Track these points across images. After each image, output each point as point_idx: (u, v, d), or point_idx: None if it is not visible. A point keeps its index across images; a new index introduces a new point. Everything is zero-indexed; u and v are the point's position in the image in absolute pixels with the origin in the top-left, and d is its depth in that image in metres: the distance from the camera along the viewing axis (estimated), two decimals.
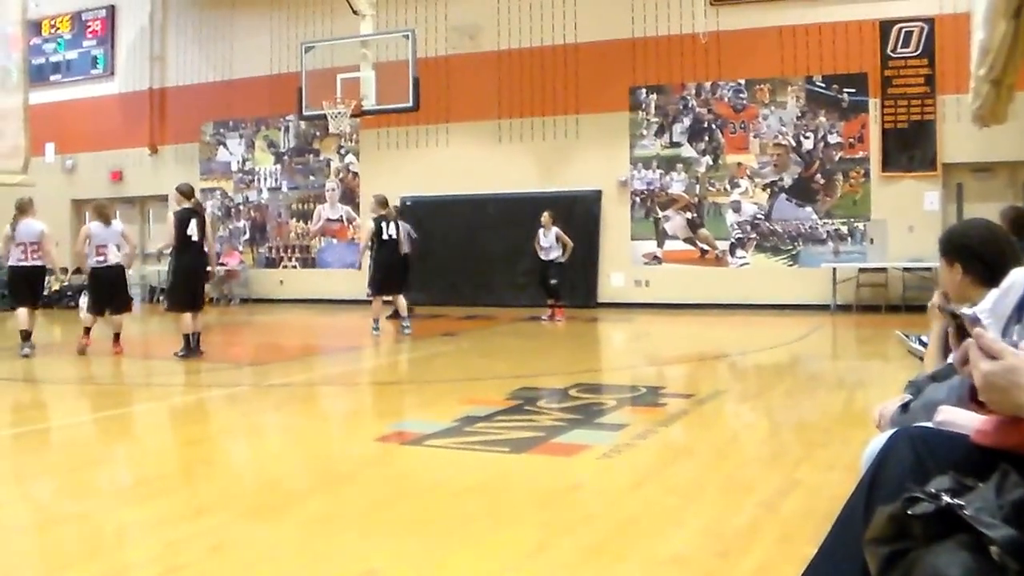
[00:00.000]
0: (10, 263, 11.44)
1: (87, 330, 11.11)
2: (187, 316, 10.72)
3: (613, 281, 17.67)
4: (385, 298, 13.43)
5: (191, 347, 10.73)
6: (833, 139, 16.36)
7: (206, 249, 11.01)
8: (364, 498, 4.68)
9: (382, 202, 13.40)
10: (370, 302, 13.51)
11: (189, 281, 10.88)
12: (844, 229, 16.28)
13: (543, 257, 15.12)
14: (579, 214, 17.22)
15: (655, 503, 4.46)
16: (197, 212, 10.90)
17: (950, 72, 15.13)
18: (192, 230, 10.66)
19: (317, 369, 10.80)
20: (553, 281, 15.09)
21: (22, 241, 11.21)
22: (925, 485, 1.71)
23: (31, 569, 3.68)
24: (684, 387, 8.57)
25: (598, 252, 17.67)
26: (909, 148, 15.76)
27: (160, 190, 21.71)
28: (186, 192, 11.06)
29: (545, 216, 15.07)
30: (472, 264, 18.29)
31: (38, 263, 11.35)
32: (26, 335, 11.08)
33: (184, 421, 7.52)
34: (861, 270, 15.95)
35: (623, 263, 17.66)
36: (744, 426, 6.95)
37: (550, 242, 15.01)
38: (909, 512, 1.63)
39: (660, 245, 17.52)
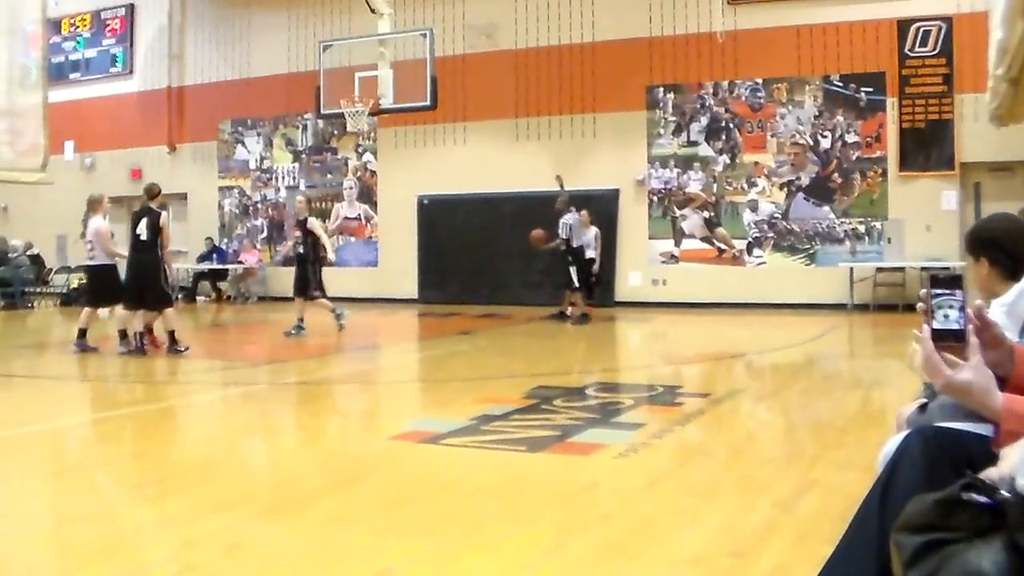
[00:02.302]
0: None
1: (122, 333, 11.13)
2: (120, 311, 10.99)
3: (630, 280, 17.63)
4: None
5: (130, 341, 10.86)
6: (850, 138, 16.29)
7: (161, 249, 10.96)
8: (380, 497, 4.68)
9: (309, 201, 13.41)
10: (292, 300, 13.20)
11: (134, 279, 10.94)
12: (861, 228, 16.22)
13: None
14: (596, 213, 17.02)
15: (671, 503, 4.46)
16: (150, 211, 10.90)
17: (968, 71, 15.08)
18: (141, 229, 10.77)
19: (333, 367, 10.82)
20: (594, 279, 15.17)
21: (89, 240, 11.35)
22: (939, 486, 1.65)
23: (49, 567, 3.70)
24: (701, 386, 8.56)
25: (615, 251, 17.63)
26: (927, 147, 15.68)
27: (179, 188, 21.83)
28: (147, 192, 11.28)
29: (584, 214, 15.01)
30: (488, 263, 18.31)
31: (93, 262, 11.38)
32: (80, 332, 11.21)
33: (201, 419, 7.54)
34: (878, 269, 15.88)
35: (640, 262, 17.63)
36: (760, 426, 6.94)
37: (588, 240, 14.95)
38: (963, 498, 1.56)
39: (677, 244, 17.49)
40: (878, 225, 16.09)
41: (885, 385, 8.59)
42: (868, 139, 16.18)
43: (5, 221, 23.01)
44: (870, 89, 16.09)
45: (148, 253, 10.84)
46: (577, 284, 14.41)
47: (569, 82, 18.06)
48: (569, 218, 14.63)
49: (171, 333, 10.86)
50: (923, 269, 15.31)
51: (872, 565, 1.85)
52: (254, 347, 13.05)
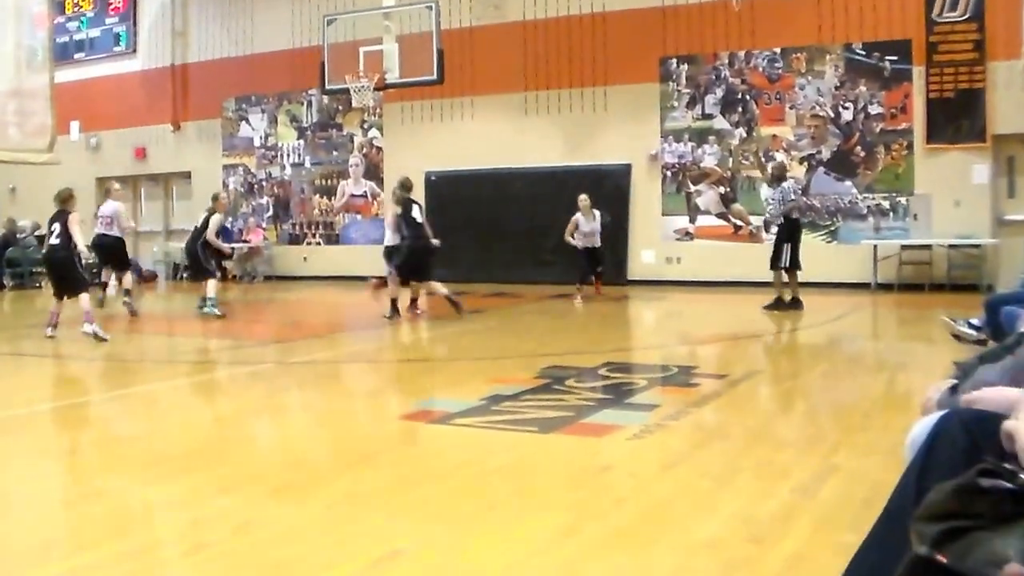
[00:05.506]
0: None
1: None
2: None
3: (644, 258, 17.32)
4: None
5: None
6: (874, 110, 15.78)
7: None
8: (390, 478, 4.68)
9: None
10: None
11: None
12: (886, 204, 15.73)
13: (587, 244, 14.53)
14: (608, 189, 16.83)
15: (687, 486, 4.41)
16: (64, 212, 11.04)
17: (1000, 37, 14.48)
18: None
19: (342, 347, 10.84)
20: (600, 268, 14.71)
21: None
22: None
23: (60, 545, 3.68)
24: (717, 367, 8.42)
25: (628, 228, 17.29)
26: (956, 118, 15.07)
27: (183, 167, 21.71)
28: (403, 185, 12.64)
29: (585, 200, 14.46)
30: (498, 240, 17.97)
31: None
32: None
33: (209, 399, 7.62)
34: (904, 247, 15.43)
35: (654, 239, 17.28)
36: (779, 408, 6.85)
37: (594, 227, 14.46)
38: (983, 484, 1.54)
39: (692, 221, 17.11)
40: (903, 201, 15.59)
41: (910, 368, 8.41)
42: (893, 110, 15.65)
43: (13, 202, 23.07)
44: (895, 57, 15.53)
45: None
46: (788, 263, 12.43)
47: (579, 54, 17.65)
48: (788, 185, 12.73)
49: (394, 301, 12.21)
50: (951, 247, 14.90)
51: (907, 552, 1.71)
52: (261, 326, 13.16)
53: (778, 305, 12.43)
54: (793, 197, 12.64)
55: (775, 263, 12.49)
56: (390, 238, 12.87)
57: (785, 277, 12.54)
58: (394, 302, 12.26)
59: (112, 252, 13.79)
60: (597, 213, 14.56)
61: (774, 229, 14.63)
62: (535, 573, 3.35)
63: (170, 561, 3.57)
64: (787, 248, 12.43)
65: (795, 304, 12.42)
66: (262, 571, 3.41)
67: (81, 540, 3.76)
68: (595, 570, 3.34)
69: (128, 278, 13.78)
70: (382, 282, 13.58)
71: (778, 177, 12.91)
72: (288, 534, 3.76)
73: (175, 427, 6.32)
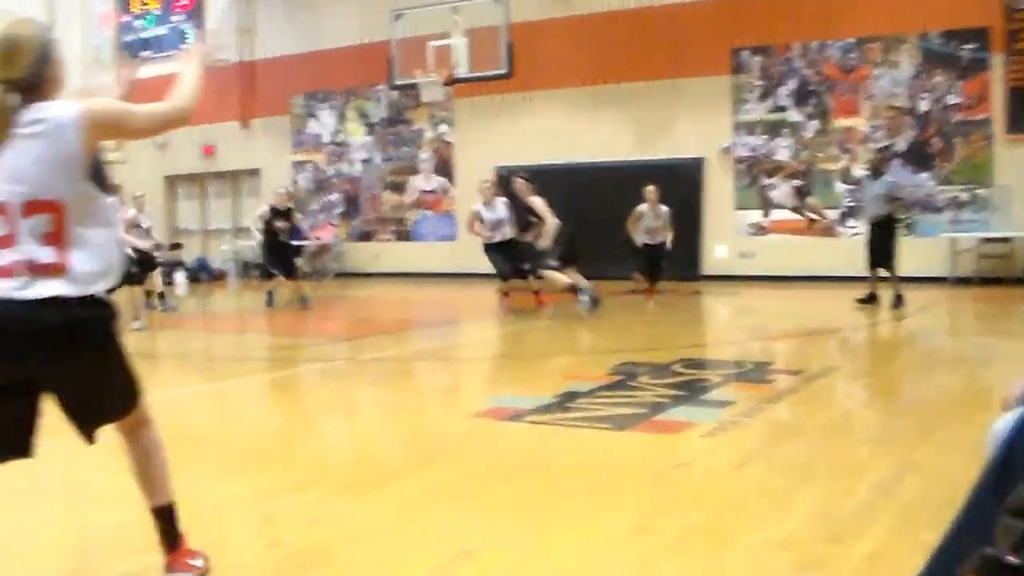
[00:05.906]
0: None
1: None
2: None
3: (716, 253, 17.05)
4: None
5: None
6: (951, 100, 15.36)
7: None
8: (462, 475, 4.67)
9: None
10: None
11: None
12: (964, 196, 15.31)
13: (648, 240, 13.79)
14: (680, 183, 16.54)
15: (762, 484, 4.37)
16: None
17: None
18: None
19: (413, 343, 10.87)
20: (660, 267, 13.89)
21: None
22: None
23: (132, 541, 3.66)
24: (792, 363, 8.30)
25: (700, 223, 17.05)
26: None
27: (251, 164, 21.86)
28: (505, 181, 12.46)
29: (650, 190, 13.74)
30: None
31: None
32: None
33: (280, 396, 7.65)
34: (983, 240, 15.00)
35: (727, 234, 17.03)
36: (856, 405, 6.77)
37: (659, 224, 13.70)
38: None
39: (766, 215, 16.82)
40: (983, 192, 15.16)
41: (990, 364, 8.25)
42: (970, 100, 15.21)
43: None
44: (973, 46, 15.09)
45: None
46: (888, 262, 12.09)
47: (649, 46, 17.32)
48: (890, 179, 12.60)
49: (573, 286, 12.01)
50: None
51: (985, 546, 1.69)
52: (332, 323, 13.16)
53: (899, 302, 11.89)
54: (903, 194, 12.32)
55: (889, 262, 12.08)
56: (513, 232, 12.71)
57: (882, 272, 12.18)
58: (574, 286, 11.85)
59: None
60: (664, 210, 13.76)
61: (851, 222, 14.28)
62: (609, 570, 3.32)
63: (241, 557, 3.59)
64: (893, 243, 12.07)
65: (871, 300, 12.15)
66: (334, 568, 3.42)
67: (151, 539, 3.67)
68: (669, 568, 3.33)
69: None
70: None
71: (877, 169, 12.65)
72: (359, 532, 3.77)
73: (247, 424, 6.39)
